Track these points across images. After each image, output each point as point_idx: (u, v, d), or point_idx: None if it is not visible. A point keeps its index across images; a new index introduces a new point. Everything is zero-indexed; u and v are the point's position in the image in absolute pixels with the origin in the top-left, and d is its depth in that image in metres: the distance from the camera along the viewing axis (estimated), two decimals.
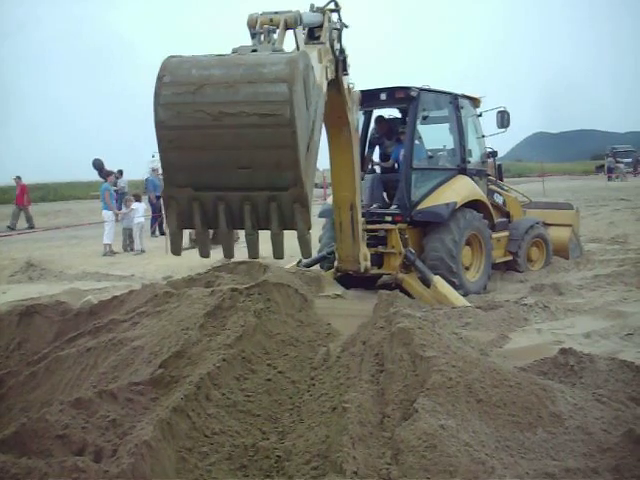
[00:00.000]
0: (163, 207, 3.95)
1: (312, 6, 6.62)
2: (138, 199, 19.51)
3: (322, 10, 6.58)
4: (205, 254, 4.12)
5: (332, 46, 6.66)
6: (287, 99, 3.43)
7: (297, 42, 4.75)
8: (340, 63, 7.05)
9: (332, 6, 6.77)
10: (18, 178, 28.49)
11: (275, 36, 4.30)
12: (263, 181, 3.64)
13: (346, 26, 6.96)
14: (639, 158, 59.78)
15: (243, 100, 3.43)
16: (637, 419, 4.18)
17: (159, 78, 3.59)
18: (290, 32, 4.99)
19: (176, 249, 4.09)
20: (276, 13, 4.55)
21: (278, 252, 4.00)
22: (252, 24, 4.47)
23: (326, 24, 6.54)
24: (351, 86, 7.98)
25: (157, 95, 3.59)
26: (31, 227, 26.82)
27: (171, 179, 3.80)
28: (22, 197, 28.01)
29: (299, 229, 3.91)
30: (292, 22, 4.46)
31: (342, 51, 7.02)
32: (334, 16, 6.81)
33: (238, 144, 3.53)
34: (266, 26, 4.31)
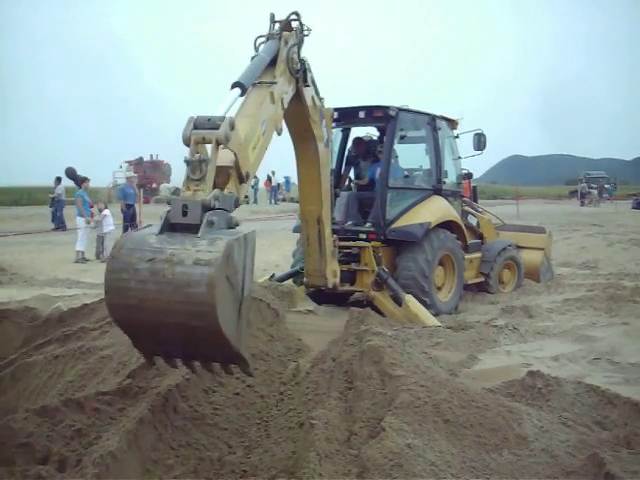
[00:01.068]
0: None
1: (272, 17, 6.58)
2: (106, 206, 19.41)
3: (279, 35, 6.54)
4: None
5: (290, 67, 6.66)
6: (213, 318, 3.84)
7: (235, 155, 4.98)
8: (300, 77, 7.02)
9: (293, 16, 6.74)
10: None
11: (208, 167, 4.45)
12: (205, 352, 4.19)
13: (307, 34, 6.88)
14: (604, 185, 60.68)
15: (177, 315, 3.87)
16: (601, 443, 4.21)
17: (105, 290, 4.11)
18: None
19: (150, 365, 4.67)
20: (209, 120, 4.67)
21: (228, 372, 4.52)
22: (187, 141, 4.62)
23: (283, 52, 6.52)
24: (318, 102, 7.93)
25: (107, 303, 4.16)
26: None
27: (133, 342, 4.30)
28: None
29: (242, 370, 4.46)
30: (223, 140, 4.58)
31: (302, 62, 6.97)
32: (294, 24, 6.75)
33: (181, 339, 4.04)
34: (198, 155, 4.48)
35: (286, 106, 6.60)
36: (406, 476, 3.45)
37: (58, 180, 28.25)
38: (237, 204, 4.71)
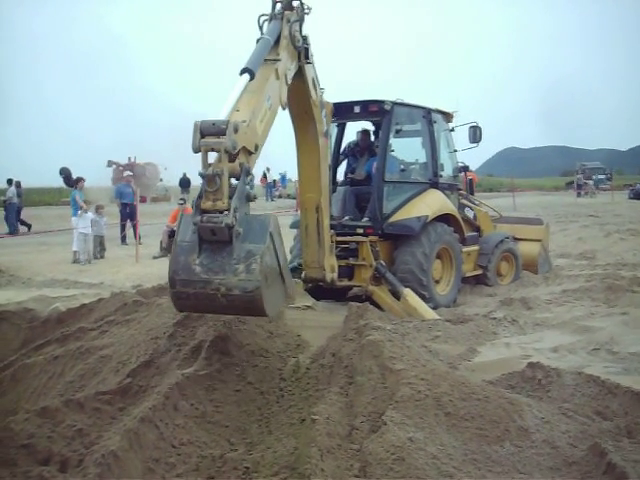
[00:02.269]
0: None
1: None
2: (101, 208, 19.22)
3: (281, 15, 6.78)
4: None
5: (293, 42, 6.90)
6: (264, 315, 4.97)
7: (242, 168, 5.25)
8: (302, 52, 7.20)
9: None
10: None
11: (222, 179, 4.86)
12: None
13: (308, 13, 7.12)
14: (592, 176, 61.00)
15: (233, 313, 5.33)
16: (602, 433, 4.22)
17: (175, 305, 5.06)
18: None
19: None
20: (213, 124, 4.96)
21: None
22: (196, 151, 4.99)
23: (285, 29, 6.77)
24: (319, 89, 8.01)
25: (177, 309, 5.23)
26: None
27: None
28: None
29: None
30: (230, 149, 4.93)
31: (304, 39, 7.18)
32: (295, 3, 6.97)
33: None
34: (211, 169, 4.87)
35: (289, 82, 6.85)
36: (408, 469, 3.46)
37: (9, 182, 27.03)
38: (252, 186, 5.20)
